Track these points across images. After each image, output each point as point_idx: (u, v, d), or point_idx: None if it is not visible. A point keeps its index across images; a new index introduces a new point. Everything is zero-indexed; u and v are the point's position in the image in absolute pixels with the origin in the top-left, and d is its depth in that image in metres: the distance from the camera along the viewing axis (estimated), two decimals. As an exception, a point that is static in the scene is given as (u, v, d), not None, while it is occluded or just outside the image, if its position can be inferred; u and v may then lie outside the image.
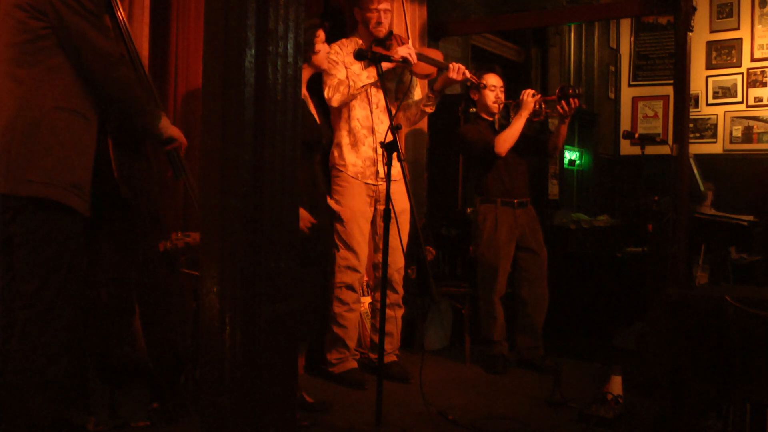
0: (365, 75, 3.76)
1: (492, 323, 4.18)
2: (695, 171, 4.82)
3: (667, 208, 4.42)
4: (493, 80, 4.23)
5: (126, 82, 2.42)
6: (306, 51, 3.22)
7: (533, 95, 4.16)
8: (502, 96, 4.27)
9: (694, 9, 4.22)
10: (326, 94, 3.76)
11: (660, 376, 2.97)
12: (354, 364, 3.88)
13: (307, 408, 3.25)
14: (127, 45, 2.72)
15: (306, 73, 3.35)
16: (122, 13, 2.72)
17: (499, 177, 4.22)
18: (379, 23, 3.85)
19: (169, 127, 2.65)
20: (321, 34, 3.34)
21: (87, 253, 2.51)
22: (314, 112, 3.35)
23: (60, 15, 2.27)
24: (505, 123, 4.24)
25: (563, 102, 4.07)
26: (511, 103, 4.27)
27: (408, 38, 4.07)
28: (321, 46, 3.35)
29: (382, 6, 3.84)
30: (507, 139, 4.09)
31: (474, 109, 4.38)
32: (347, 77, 3.78)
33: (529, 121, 4.18)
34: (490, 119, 4.32)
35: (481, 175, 4.26)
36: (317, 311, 3.18)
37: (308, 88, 3.50)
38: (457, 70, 3.95)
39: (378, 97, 3.88)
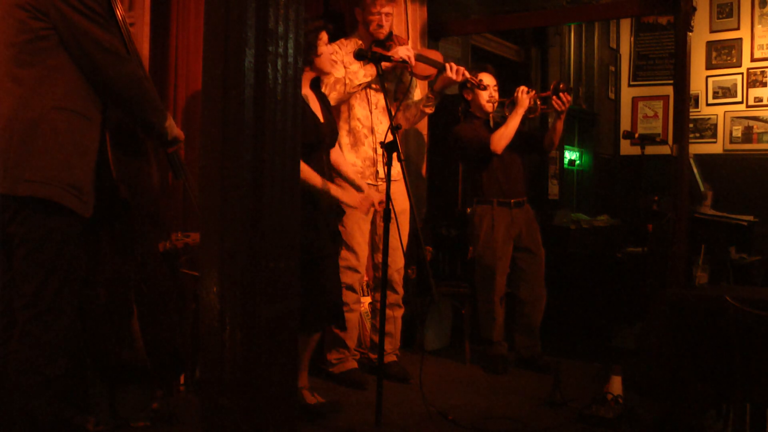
0: (362, 73, 3.75)
1: (492, 324, 4.18)
2: (695, 171, 4.82)
3: (667, 208, 4.42)
4: (486, 79, 4.22)
5: (135, 77, 2.41)
6: (308, 53, 3.19)
7: (527, 92, 4.16)
8: (495, 95, 4.26)
9: (694, 9, 4.22)
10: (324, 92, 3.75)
11: (660, 376, 2.97)
12: (354, 364, 3.88)
13: (307, 410, 3.22)
14: (127, 45, 2.71)
15: (308, 76, 3.31)
16: (122, 13, 2.71)
17: (494, 177, 4.21)
18: (380, 26, 3.85)
19: (174, 127, 2.63)
20: (324, 37, 3.27)
21: (86, 253, 2.51)
22: (318, 111, 3.32)
23: (63, 14, 2.26)
24: (500, 122, 4.24)
25: (556, 97, 4.08)
26: (506, 101, 4.27)
27: (408, 39, 4.07)
28: (324, 49, 3.27)
29: (385, 9, 3.83)
30: (503, 137, 4.07)
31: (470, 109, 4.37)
32: (344, 76, 3.77)
33: (526, 118, 4.18)
34: (485, 118, 4.31)
35: (477, 176, 4.24)
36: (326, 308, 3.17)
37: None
38: (456, 71, 3.95)
39: (378, 97, 3.88)
